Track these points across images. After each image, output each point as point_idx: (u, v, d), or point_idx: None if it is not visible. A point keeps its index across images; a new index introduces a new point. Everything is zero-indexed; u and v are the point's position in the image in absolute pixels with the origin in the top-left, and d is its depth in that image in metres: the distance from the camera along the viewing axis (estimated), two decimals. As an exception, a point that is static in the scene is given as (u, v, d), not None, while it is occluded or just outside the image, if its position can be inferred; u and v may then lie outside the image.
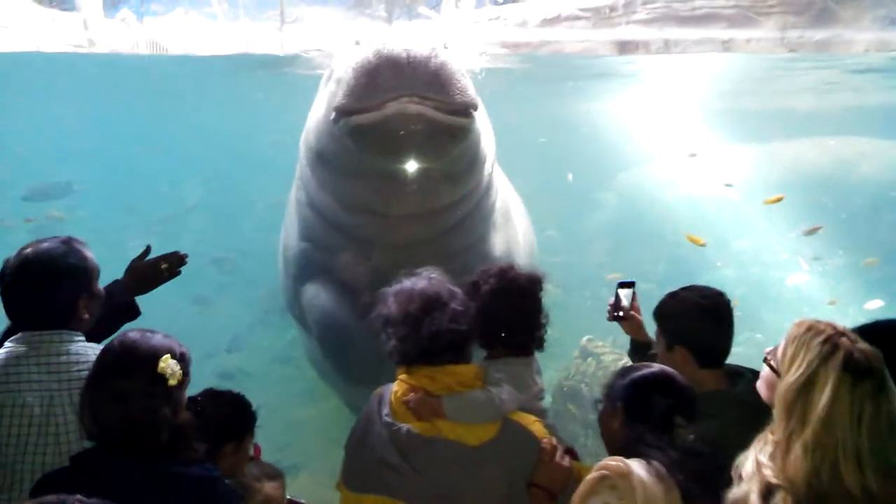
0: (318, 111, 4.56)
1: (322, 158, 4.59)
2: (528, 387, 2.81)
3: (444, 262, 4.56)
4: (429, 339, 2.63)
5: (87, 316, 2.86)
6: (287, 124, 5.58)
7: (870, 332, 2.25)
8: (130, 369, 2.38)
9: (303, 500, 2.98)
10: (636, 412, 2.47)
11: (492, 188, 5.04)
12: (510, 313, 2.84)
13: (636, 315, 3.37)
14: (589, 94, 15.18)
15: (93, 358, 2.70)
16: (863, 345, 2.10)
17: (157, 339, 2.46)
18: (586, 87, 14.03)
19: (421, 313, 2.63)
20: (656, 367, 2.58)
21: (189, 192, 15.65)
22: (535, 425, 2.67)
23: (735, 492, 2.16)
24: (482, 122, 4.60)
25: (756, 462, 2.15)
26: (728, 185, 12.15)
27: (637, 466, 2.27)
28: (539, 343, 2.91)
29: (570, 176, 14.25)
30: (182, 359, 2.48)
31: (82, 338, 2.82)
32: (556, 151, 15.64)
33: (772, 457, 2.12)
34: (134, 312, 3.34)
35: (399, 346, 2.68)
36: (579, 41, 8.73)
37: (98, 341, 3.02)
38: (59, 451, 2.64)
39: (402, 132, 3.88)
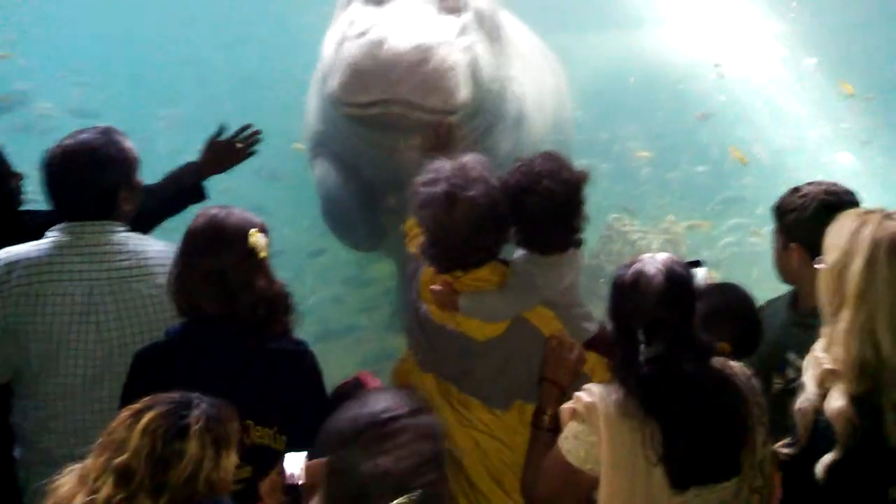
0: (333, 41, 4.43)
1: (329, 91, 4.53)
2: (557, 280, 2.77)
3: None
4: (463, 253, 2.65)
5: (128, 207, 2.89)
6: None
7: None
8: (223, 247, 2.44)
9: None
10: (613, 320, 2.29)
11: (501, 103, 4.90)
12: (551, 220, 2.70)
13: None
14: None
15: (133, 248, 2.78)
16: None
17: (239, 215, 2.52)
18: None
19: (455, 232, 2.59)
20: (641, 261, 2.26)
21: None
22: (549, 322, 2.69)
23: (800, 396, 2.14)
24: (489, 53, 4.48)
25: (812, 357, 2.14)
26: (717, 66, 11.57)
27: (607, 398, 2.17)
28: (576, 242, 2.79)
29: (631, 79, 13.54)
30: (264, 230, 2.54)
31: (124, 228, 2.85)
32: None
33: (825, 348, 2.11)
34: (200, 195, 3.39)
35: (432, 253, 2.70)
36: None
37: (161, 221, 3.24)
38: (101, 339, 2.72)
39: (387, 127, 4.04)
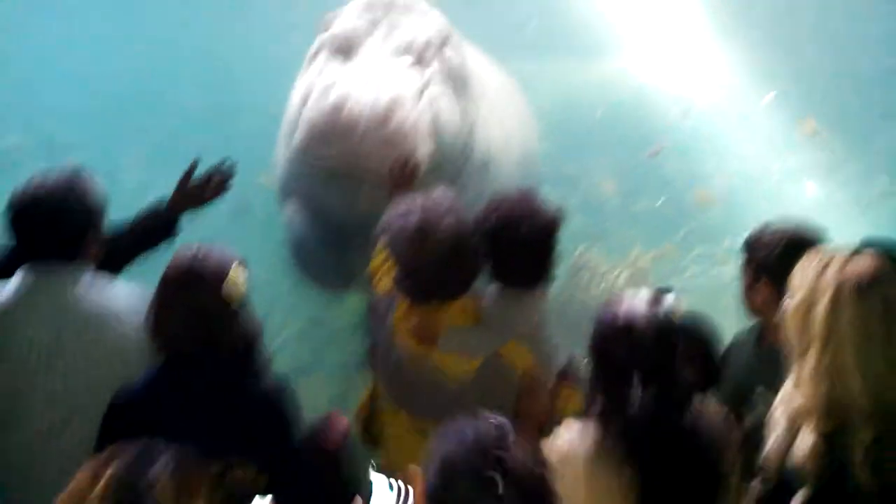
0: (300, 91, 4.49)
1: (293, 147, 4.54)
2: (530, 316, 2.83)
3: None
4: (437, 284, 2.68)
5: (94, 250, 2.87)
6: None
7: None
8: (203, 286, 2.43)
9: None
10: (598, 360, 2.29)
11: (466, 152, 4.91)
12: (527, 259, 2.78)
13: None
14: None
15: (100, 293, 2.74)
16: (862, 256, 2.12)
17: (219, 252, 2.51)
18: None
19: (429, 263, 2.63)
20: (630, 302, 2.25)
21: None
22: (522, 358, 2.72)
23: (770, 434, 2.18)
24: (453, 112, 4.51)
25: (782, 395, 2.18)
26: (680, 95, 11.66)
27: (584, 440, 2.19)
28: (547, 281, 2.86)
29: (598, 113, 13.53)
30: (243, 265, 2.54)
31: (90, 272, 2.83)
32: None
33: (794, 386, 2.14)
34: (173, 231, 3.35)
35: (406, 285, 2.72)
36: None
37: (133, 259, 3.17)
38: (66, 384, 2.67)
39: (349, 184, 4.06)
